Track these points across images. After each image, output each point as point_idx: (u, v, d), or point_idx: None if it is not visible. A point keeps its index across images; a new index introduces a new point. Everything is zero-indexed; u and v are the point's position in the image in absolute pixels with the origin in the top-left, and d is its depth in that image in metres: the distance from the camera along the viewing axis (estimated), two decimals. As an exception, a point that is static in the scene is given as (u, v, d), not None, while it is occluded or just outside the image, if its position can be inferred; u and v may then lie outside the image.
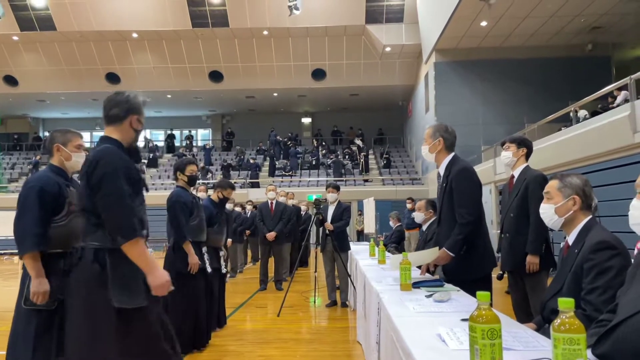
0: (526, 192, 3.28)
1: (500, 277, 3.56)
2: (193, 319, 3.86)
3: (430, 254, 2.88)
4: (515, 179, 3.40)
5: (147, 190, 2.23)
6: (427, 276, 2.82)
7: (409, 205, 8.92)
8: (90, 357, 1.99)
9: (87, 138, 26.95)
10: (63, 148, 2.63)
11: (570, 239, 2.03)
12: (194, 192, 4.14)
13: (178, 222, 3.79)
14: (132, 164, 2.13)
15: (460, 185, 2.79)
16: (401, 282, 2.33)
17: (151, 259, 2.03)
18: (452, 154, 2.99)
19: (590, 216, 2.02)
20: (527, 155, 3.47)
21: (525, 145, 3.45)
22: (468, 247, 2.78)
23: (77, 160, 2.65)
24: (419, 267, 3.03)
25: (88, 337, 1.99)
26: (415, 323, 1.63)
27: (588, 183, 2.08)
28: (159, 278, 2.03)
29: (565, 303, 1.01)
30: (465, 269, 2.80)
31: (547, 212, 2.08)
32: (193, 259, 3.81)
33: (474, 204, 2.79)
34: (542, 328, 1.97)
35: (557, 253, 5.69)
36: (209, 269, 4.13)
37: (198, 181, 6.00)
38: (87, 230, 2.07)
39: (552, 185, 2.09)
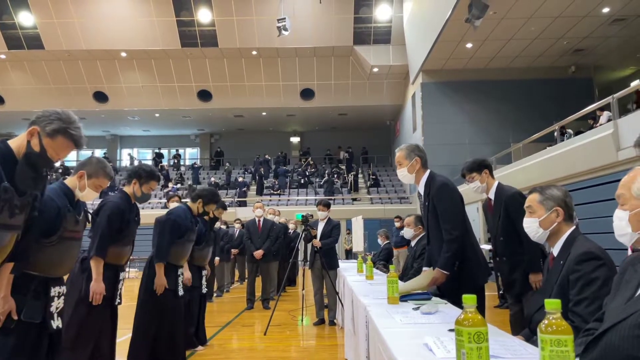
0: (507, 213, 3.23)
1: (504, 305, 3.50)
2: (166, 340, 3.73)
3: (425, 278, 2.87)
4: (493, 201, 3.35)
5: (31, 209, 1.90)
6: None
7: (397, 224, 8.91)
8: None
9: (74, 157, 26.70)
10: (85, 179, 2.56)
11: (555, 250, 2.02)
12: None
13: (161, 240, 3.70)
14: None
15: (442, 202, 2.81)
16: (388, 296, 2.31)
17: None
18: (428, 171, 3.00)
19: (574, 227, 2.03)
20: (491, 173, 3.41)
21: (484, 166, 3.37)
22: (459, 260, 2.79)
23: (87, 196, 2.59)
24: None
25: None
26: (402, 334, 1.61)
27: (568, 194, 2.08)
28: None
29: (552, 304, 1.00)
30: (456, 281, 2.79)
31: (532, 226, 2.07)
32: (160, 281, 3.66)
33: (458, 218, 2.79)
34: (531, 340, 1.96)
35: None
36: (180, 292, 3.95)
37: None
38: None
39: (533, 198, 2.09)
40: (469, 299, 1.08)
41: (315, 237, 5.89)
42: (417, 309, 2.05)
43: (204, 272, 4.79)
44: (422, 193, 3.01)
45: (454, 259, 2.77)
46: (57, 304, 2.43)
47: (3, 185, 1.77)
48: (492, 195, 3.36)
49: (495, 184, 3.38)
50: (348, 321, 3.47)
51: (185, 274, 4.08)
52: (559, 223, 2.02)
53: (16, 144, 1.90)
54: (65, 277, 2.63)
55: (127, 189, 3.25)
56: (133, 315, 3.73)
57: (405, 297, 2.36)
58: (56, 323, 2.42)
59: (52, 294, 2.40)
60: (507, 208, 3.22)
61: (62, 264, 2.45)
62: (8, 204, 1.80)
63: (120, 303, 3.24)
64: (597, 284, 1.77)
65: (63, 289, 2.51)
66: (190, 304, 4.54)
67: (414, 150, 3.00)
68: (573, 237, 1.98)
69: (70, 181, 2.56)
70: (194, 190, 4.35)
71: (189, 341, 4.58)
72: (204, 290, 4.81)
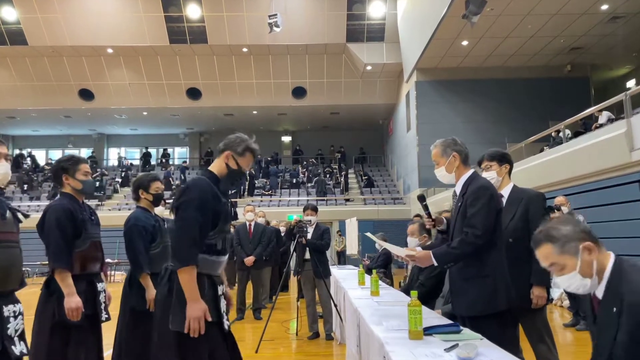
0: (526, 214, 2.89)
1: None
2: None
3: (410, 250, 2.61)
4: (505, 200, 2.98)
5: (234, 218, 2.14)
6: (441, 318, 2.40)
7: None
8: None
9: (59, 156, 26.04)
10: None
11: (599, 292, 1.59)
12: (158, 213, 3.55)
13: (134, 250, 3.19)
14: (215, 196, 2.26)
15: (475, 205, 2.41)
16: (410, 329, 1.90)
17: (197, 290, 2.13)
18: (471, 170, 2.62)
19: (613, 256, 1.58)
20: (510, 172, 3.09)
21: (507, 161, 3.06)
22: (475, 277, 2.40)
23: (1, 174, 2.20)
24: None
25: (157, 355, 2.21)
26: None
27: (574, 221, 1.65)
28: (196, 310, 2.10)
29: None
30: (473, 303, 2.40)
31: (575, 283, 1.61)
32: (151, 294, 3.10)
33: (485, 226, 2.38)
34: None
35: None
36: None
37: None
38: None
39: (547, 253, 1.66)
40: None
41: (307, 244, 5.49)
42: (451, 349, 1.65)
43: None
44: (457, 193, 2.61)
45: (455, 260, 2.43)
46: (14, 326, 2.09)
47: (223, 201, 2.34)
48: (505, 193, 3.01)
49: (511, 184, 3.06)
50: (352, 346, 3.07)
51: None
52: (598, 259, 1.59)
53: (216, 168, 2.41)
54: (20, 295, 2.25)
55: (66, 189, 2.82)
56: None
57: (429, 330, 1.96)
58: (19, 348, 2.09)
59: (6, 314, 2.07)
60: (528, 208, 2.89)
61: (5, 275, 2.09)
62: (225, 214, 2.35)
63: (108, 319, 2.84)
64: None
65: (18, 307, 2.17)
66: None
67: (450, 145, 2.61)
68: (618, 272, 1.54)
69: None
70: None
71: None
72: None
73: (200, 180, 2.29)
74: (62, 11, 17.79)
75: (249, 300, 7.37)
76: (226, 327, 2.32)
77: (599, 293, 1.59)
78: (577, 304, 5.99)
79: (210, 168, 2.41)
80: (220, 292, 2.34)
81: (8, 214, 2.16)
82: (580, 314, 5.95)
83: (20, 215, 2.23)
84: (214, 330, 2.23)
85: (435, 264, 2.43)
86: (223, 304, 2.33)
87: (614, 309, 1.50)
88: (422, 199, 2.86)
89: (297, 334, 5.73)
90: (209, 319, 2.15)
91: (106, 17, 17.93)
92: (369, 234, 2.77)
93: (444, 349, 1.68)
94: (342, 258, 15.60)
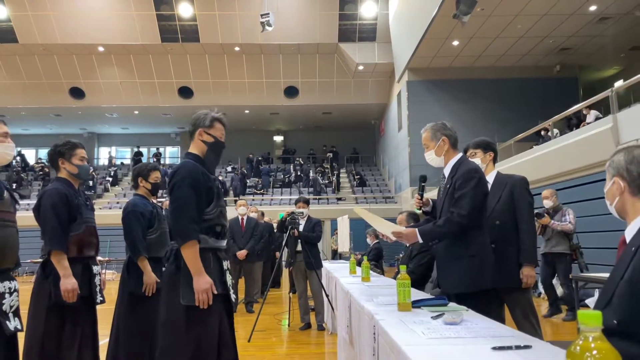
0: (511, 197, 3.04)
1: None
2: (147, 348, 3.16)
3: (397, 227, 2.70)
4: (490, 185, 3.10)
5: (226, 195, 2.16)
6: (426, 294, 2.47)
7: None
8: (169, 352, 2.19)
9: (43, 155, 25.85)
10: None
11: (628, 233, 1.53)
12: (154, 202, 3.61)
13: (132, 234, 3.25)
14: (204, 174, 2.35)
15: (464, 187, 2.48)
16: (399, 301, 1.95)
17: (200, 265, 2.21)
18: (460, 154, 2.70)
19: None
20: (494, 160, 3.23)
21: (491, 149, 3.21)
22: (462, 257, 2.48)
23: (3, 152, 2.22)
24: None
25: (166, 332, 2.24)
26: (433, 353, 1.27)
27: (637, 159, 1.52)
28: (202, 283, 2.18)
29: (589, 317, 0.71)
30: (459, 281, 2.48)
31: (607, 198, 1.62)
32: (149, 278, 3.20)
33: (473, 209, 2.46)
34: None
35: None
36: None
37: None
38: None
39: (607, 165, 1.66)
40: (589, 318, 0.72)
41: (299, 236, 5.54)
42: (438, 317, 1.71)
43: None
44: (446, 176, 2.68)
45: (440, 238, 2.52)
46: (10, 302, 2.13)
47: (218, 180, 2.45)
48: (490, 179, 3.14)
49: (495, 170, 3.21)
50: (342, 329, 3.12)
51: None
52: (622, 196, 1.52)
53: (196, 149, 2.49)
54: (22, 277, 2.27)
55: (62, 174, 2.86)
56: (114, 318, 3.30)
57: (417, 303, 2.02)
58: (13, 324, 2.12)
59: (1, 290, 2.11)
60: (513, 191, 3.04)
61: (1, 252, 2.13)
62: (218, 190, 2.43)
63: (103, 301, 2.88)
64: None
65: (14, 284, 2.20)
66: None
67: (440, 129, 2.68)
68: None
69: None
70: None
71: None
72: None
73: (186, 162, 2.38)
74: (53, 9, 17.71)
75: (241, 295, 7.41)
76: (233, 299, 2.44)
77: (628, 235, 1.53)
78: (554, 294, 6.17)
79: (190, 151, 2.49)
80: (225, 267, 2.42)
81: (6, 194, 2.19)
82: (557, 304, 6.15)
83: (17, 196, 2.27)
84: (221, 303, 2.32)
85: (420, 240, 2.52)
86: (229, 277, 2.42)
87: (633, 248, 1.43)
88: (423, 179, 2.91)
89: (289, 325, 5.78)
90: (215, 292, 2.23)
91: (97, 15, 17.86)
92: (357, 209, 2.82)
93: (431, 317, 1.74)
94: (337, 255, 15.65)
